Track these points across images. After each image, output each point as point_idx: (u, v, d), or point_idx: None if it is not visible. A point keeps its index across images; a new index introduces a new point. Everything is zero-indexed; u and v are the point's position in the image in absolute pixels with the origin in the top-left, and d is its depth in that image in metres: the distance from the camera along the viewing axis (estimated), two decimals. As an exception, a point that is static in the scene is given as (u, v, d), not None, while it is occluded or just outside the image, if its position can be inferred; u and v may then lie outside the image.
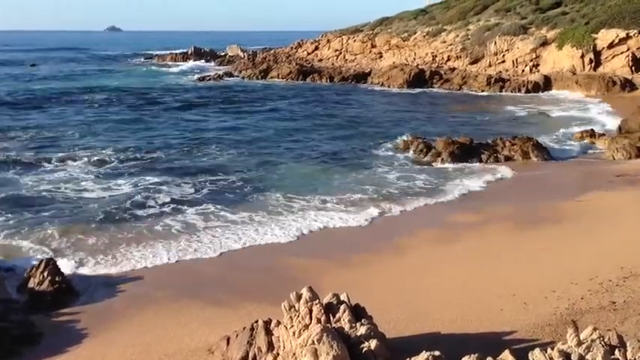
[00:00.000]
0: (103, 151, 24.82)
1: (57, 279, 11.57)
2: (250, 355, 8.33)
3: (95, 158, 23.58)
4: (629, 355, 5.83)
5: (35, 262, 12.18)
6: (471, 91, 49.34)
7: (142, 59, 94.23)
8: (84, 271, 12.73)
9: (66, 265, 12.66)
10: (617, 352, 5.91)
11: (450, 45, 60.89)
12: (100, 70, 73.06)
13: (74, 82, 54.78)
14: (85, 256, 13.47)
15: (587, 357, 5.70)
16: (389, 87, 52.96)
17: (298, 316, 8.01)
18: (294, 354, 7.54)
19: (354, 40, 74.19)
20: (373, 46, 71.26)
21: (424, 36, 66.00)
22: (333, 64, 70.87)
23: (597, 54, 48.58)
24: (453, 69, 56.31)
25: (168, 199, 18.08)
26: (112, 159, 23.60)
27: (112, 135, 29.12)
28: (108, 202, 17.91)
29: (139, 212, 16.82)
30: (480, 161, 23.57)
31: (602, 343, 5.91)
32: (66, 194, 18.65)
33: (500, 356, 6.03)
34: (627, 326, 9.06)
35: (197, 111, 38.63)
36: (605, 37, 48.51)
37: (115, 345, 9.51)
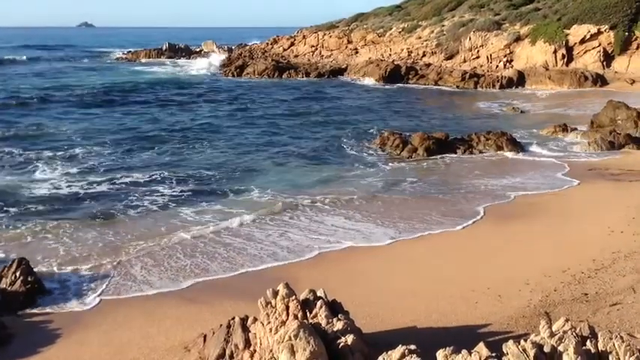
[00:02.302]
0: (79, 149, 24.43)
1: (29, 279, 11.36)
2: (227, 352, 8.28)
3: (70, 156, 23.23)
4: (600, 345, 5.92)
5: (7, 262, 11.95)
6: (446, 86, 49.72)
7: (116, 56, 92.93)
8: (57, 270, 12.51)
9: (38, 265, 12.44)
10: (588, 343, 6.00)
11: (426, 41, 61.25)
12: (73, 67, 71.77)
13: (47, 81, 53.72)
14: (58, 255, 13.24)
15: (559, 348, 5.78)
16: (365, 83, 53.08)
17: (275, 312, 7.99)
18: (271, 350, 7.52)
19: (330, 36, 74.21)
20: (349, 42, 71.37)
21: (399, 32, 66.28)
22: (309, 60, 70.81)
23: (569, 49, 49.34)
24: (428, 64, 56.66)
25: (142, 196, 17.90)
26: (88, 156, 23.25)
27: (89, 133, 28.65)
28: (80, 199, 17.66)
29: (112, 209, 16.60)
30: (455, 155, 23.82)
31: (574, 334, 6.00)
32: (38, 192, 18.34)
33: (474, 349, 6.08)
34: (599, 317, 9.23)
35: (174, 108, 38.23)
36: (576, 32, 49.29)
37: (88, 345, 9.38)
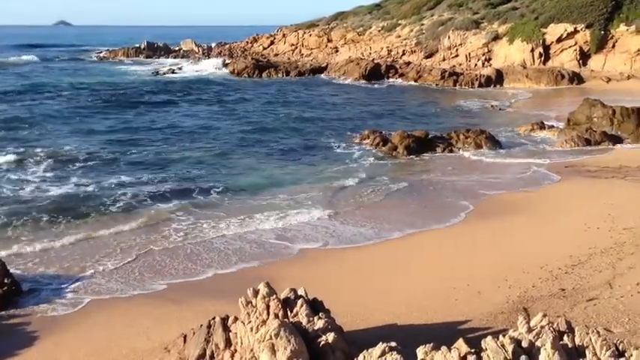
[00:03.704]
0: (56, 149, 24.08)
1: (5, 280, 11.20)
2: (208, 352, 8.25)
3: (47, 155, 22.88)
4: (577, 340, 6.01)
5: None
6: (426, 84, 49.98)
7: (94, 55, 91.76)
8: (34, 271, 12.36)
9: (15, 266, 12.26)
10: (565, 337, 6.08)
11: (405, 39, 61.52)
12: (48, 67, 70.56)
13: (23, 80, 52.83)
14: (35, 257, 13.08)
15: (537, 343, 5.85)
16: (345, 81, 53.14)
17: (256, 311, 7.98)
18: (252, 350, 7.50)
19: (310, 35, 74.16)
20: (329, 41, 71.39)
21: (379, 30, 66.48)
22: (289, 58, 70.68)
23: (546, 48, 49.92)
24: (408, 63, 56.91)
25: (121, 197, 17.73)
26: (65, 156, 22.93)
27: (65, 132, 28.29)
28: (57, 200, 17.43)
29: (90, 210, 16.43)
30: (435, 153, 23.98)
31: (552, 329, 6.08)
32: (15, 193, 18.07)
33: (454, 345, 6.13)
34: (576, 312, 9.36)
35: (151, 106, 37.88)
36: (553, 31, 49.88)
37: (66, 346, 9.27)
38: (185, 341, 8.72)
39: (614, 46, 47.87)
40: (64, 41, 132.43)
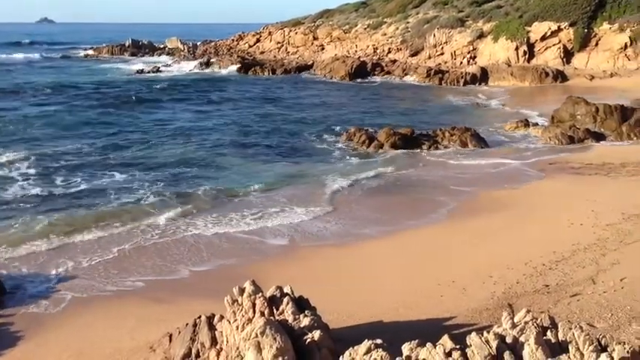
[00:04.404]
0: (40, 149, 23.86)
1: (-12, 281, 11.09)
2: (193, 351, 8.22)
3: (31, 154, 22.63)
4: (560, 335, 6.06)
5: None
6: (412, 82, 50.11)
7: (78, 52, 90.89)
8: (16, 271, 12.23)
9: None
10: (549, 333, 6.14)
11: (391, 37, 61.62)
12: (31, 65, 69.72)
13: (3, 78, 52.14)
14: (19, 256, 12.95)
15: (520, 339, 5.90)
16: (331, 79, 53.14)
17: (241, 310, 7.96)
18: (237, 348, 7.49)
19: (296, 33, 74.01)
20: (315, 39, 71.31)
21: (365, 28, 66.52)
22: (275, 56, 70.51)
23: (531, 46, 50.24)
24: (393, 61, 57.02)
25: (105, 195, 17.64)
26: (48, 156, 22.72)
27: (47, 131, 28.02)
28: (41, 199, 17.27)
29: (73, 209, 16.31)
30: (421, 150, 24.09)
31: (535, 325, 6.13)
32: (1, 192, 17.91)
33: (439, 341, 6.16)
34: (560, 308, 9.45)
35: (135, 105, 37.61)
36: (537, 29, 50.21)
37: (50, 347, 9.19)
38: (171, 340, 8.69)
39: (597, 44, 48.27)
40: (48, 39, 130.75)
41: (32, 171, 20.48)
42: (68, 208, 16.34)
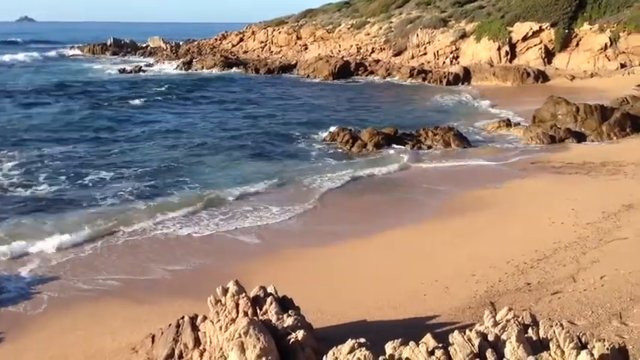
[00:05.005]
0: (22, 150, 23.54)
1: (-33, 283, 10.94)
2: (176, 352, 8.18)
3: (15, 156, 22.33)
4: (541, 333, 6.12)
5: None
6: (395, 82, 50.30)
7: (59, 51, 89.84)
8: (-3, 272, 12.09)
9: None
10: (530, 330, 6.19)
11: (374, 37, 61.78)
12: (12, 65, 68.69)
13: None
14: (-1, 258, 12.80)
15: (502, 337, 5.94)
16: (315, 78, 53.14)
17: (225, 310, 7.93)
18: (221, 349, 7.46)
19: (279, 32, 73.89)
20: (298, 38, 71.25)
21: (348, 28, 66.61)
22: (258, 56, 70.37)
23: (512, 46, 50.66)
24: (377, 61, 57.18)
25: (85, 194, 17.50)
26: (31, 157, 22.43)
27: (30, 132, 27.70)
28: (22, 200, 17.08)
29: (52, 210, 16.14)
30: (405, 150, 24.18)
31: (517, 323, 6.18)
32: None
33: (422, 340, 6.19)
34: (541, 306, 9.54)
35: (116, 106, 37.26)
36: (519, 30, 50.65)
37: (30, 350, 9.08)
38: (153, 341, 8.63)
39: (577, 45, 48.79)
40: (28, 38, 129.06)
41: (15, 172, 20.20)
42: (48, 208, 16.18)
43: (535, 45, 50.02)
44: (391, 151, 23.95)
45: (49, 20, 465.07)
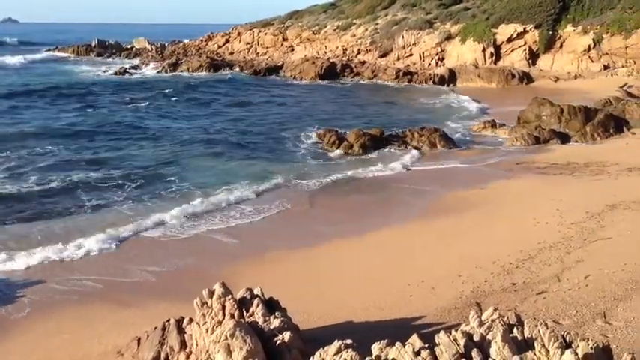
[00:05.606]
0: (9, 150, 23.28)
1: (-51, 287, 10.81)
2: (162, 354, 8.14)
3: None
4: (526, 332, 6.17)
5: None
6: (381, 83, 50.45)
7: (43, 53, 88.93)
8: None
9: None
10: (515, 330, 6.24)
11: (360, 39, 61.89)
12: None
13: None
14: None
15: (487, 336, 5.98)
16: (301, 80, 53.11)
17: (211, 312, 7.91)
18: (207, 351, 7.44)
19: (265, 34, 73.77)
20: (284, 40, 71.18)
21: (334, 30, 66.69)
22: (244, 57, 70.18)
23: (497, 48, 51.02)
24: (363, 62, 57.28)
25: (74, 196, 17.37)
26: (18, 157, 22.17)
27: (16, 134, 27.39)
28: (7, 199, 16.90)
29: (38, 209, 16.01)
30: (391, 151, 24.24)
31: (502, 322, 6.23)
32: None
33: (408, 340, 6.21)
34: (526, 305, 9.61)
35: (101, 107, 36.98)
36: (504, 31, 51.03)
37: (13, 353, 8.99)
38: (139, 344, 8.58)
39: (561, 46, 49.25)
40: (14, 39, 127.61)
41: (2, 176, 19.94)
42: (34, 208, 16.06)
43: (519, 47, 50.41)
44: (377, 152, 23.99)
45: (33, 21, 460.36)
